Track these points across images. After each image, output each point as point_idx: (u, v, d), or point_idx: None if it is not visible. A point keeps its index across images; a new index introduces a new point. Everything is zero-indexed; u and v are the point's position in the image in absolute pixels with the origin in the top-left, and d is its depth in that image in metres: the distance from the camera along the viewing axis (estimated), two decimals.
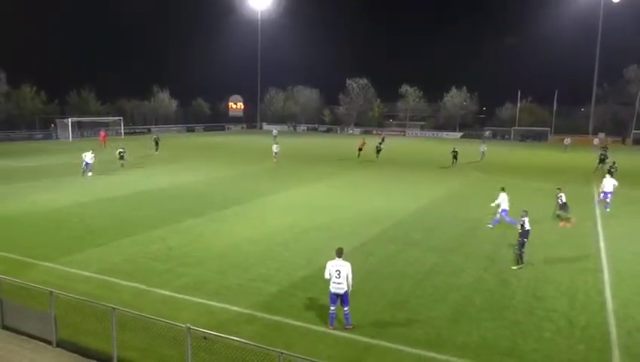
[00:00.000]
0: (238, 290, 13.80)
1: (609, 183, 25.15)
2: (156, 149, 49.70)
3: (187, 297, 13.22)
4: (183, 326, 9.09)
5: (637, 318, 12.40)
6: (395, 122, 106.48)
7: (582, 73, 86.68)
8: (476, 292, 14.05)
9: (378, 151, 47.24)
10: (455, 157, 44.24)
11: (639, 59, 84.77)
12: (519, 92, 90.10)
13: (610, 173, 30.05)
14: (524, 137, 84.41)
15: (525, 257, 16.22)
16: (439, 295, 13.76)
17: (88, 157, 33.86)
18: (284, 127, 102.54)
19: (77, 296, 11.11)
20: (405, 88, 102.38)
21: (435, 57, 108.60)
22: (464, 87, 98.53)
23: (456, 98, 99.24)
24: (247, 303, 12.85)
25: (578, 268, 16.19)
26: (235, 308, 12.56)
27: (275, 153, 44.17)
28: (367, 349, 10.76)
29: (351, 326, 11.49)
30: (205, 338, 9.41)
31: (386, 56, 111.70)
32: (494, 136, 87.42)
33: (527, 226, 16.10)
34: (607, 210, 24.80)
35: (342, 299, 11.42)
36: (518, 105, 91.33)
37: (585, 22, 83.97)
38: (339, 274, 11.31)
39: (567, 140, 65.76)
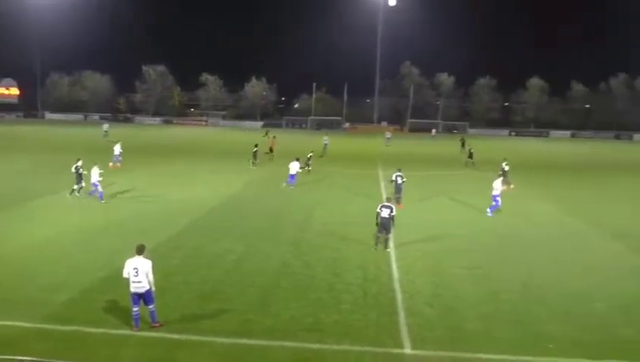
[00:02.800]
0: (23, 303, 12.11)
1: (498, 186, 22.78)
2: None
3: None
4: None
5: (416, 282, 14.32)
6: (196, 111, 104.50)
7: (367, 68, 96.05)
8: (283, 275, 14.66)
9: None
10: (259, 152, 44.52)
11: (412, 57, 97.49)
12: (314, 84, 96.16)
13: (470, 155, 37.20)
14: (319, 126, 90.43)
15: (385, 242, 17.26)
16: (248, 281, 14.02)
17: None
18: (72, 116, 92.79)
19: None
20: (206, 77, 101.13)
21: (235, 47, 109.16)
22: (264, 78, 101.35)
23: (256, 88, 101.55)
24: (36, 317, 11.35)
25: (370, 243, 17.98)
26: (21, 324, 11.01)
27: (117, 155, 34.65)
28: (178, 346, 10.45)
29: (158, 325, 11.01)
30: None
31: (186, 43, 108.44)
32: (293, 125, 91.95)
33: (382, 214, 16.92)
34: (489, 214, 22.63)
35: (144, 298, 10.87)
36: (314, 96, 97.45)
37: (368, 22, 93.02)
38: (137, 273, 10.71)
39: (388, 133, 66.85)
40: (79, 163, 23.99)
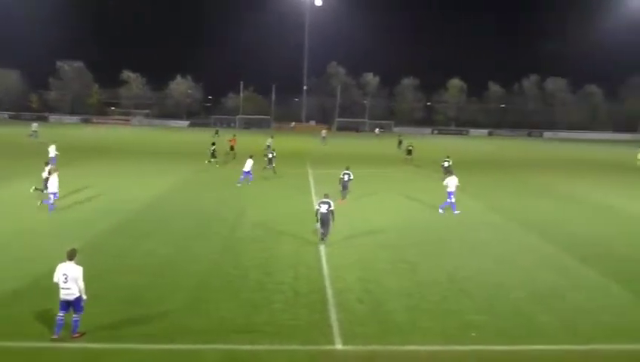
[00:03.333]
0: None
1: (452, 182, 23.40)
2: None
3: None
4: None
5: (346, 278, 14.49)
6: (118, 110, 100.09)
7: (295, 67, 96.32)
8: (212, 276, 14.35)
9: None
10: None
11: (338, 57, 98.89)
12: (242, 83, 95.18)
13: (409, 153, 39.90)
14: (248, 125, 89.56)
15: (323, 237, 17.67)
16: (176, 284, 13.58)
17: None
18: None
19: None
20: (127, 74, 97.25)
21: (158, 44, 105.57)
22: (189, 76, 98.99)
23: (181, 86, 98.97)
24: None
25: (301, 242, 18.02)
26: None
27: (52, 157, 32.76)
28: (98, 356, 9.90)
29: (78, 335, 10.36)
30: None
31: (105, 39, 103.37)
32: (221, 124, 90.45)
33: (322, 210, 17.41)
34: (456, 212, 23.04)
35: (73, 305, 10.30)
36: (241, 94, 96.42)
37: (295, 21, 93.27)
38: (66, 279, 10.18)
39: (324, 132, 67.23)
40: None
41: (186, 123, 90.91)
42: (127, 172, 33.16)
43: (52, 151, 33.19)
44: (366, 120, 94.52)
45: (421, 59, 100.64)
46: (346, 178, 25.15)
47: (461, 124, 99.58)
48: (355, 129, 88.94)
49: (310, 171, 35.61)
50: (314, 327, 11.42)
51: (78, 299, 10.34)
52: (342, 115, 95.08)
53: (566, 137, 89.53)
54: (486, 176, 37.00)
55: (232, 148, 41.41)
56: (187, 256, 15.95)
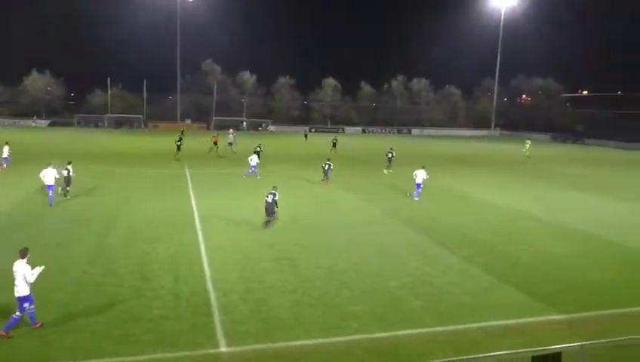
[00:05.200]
0: None
1: (420, 175, 26.93)
2: None
3: None
4: None
5: (229, 279, 14.37)
6: None
7: (167, 64, 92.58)
8: (83, 288, 13.38)
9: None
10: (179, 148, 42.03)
11: (213, 55, 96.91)
12: (109, 79, 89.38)
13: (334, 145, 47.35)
14: (118, 124, 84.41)
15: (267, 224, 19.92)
16: (43, 300, 12.38)
17: None
18: None
19: None
20: None
21: (8, 37, 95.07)
22: (47, 71, 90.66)
23: (38, 82, 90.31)
24: None
25: (179, 243, 17.46)
26: None
27: (6, 157, 32.57)
28: None
29: (4, 334, 10.51)
30: None
31: None
32: (87, 123, 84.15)
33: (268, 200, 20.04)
34: (416, 198, 26.89)
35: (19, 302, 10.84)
36: (109, 92, 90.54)
37: (167, 17, 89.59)
38: (15, 276, 10.83)
39: (231, 131, 62.65)
40: (69, 166, 24.50)
41: (45, 122, 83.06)
42: None
43: (6, 151, 32.74)
44: (244, 118, 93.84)
45: (296, 58, 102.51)
46: (326, 167, 30.73)
47: (337, 122, 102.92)
48: (235, 127, 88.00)
49: (188, 171, 34.59)
50: (197, 331, 11.19)
51: (23, 298, 10.72)
52: (219, 114, 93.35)
53: (431, 134, 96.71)
54: (356, 170, 38.63)
55: (215, 143, 45.59)
56: (54, 269, 14.62)
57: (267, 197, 20.20)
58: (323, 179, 30.87)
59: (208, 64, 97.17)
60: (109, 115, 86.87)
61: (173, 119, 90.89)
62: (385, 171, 35.88)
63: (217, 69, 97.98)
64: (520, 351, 8.78)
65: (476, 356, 8.66)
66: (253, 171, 32.21)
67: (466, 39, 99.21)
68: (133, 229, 19.19)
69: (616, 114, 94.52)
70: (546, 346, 9.06)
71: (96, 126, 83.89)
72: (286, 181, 30.58)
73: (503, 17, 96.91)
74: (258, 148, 38.30)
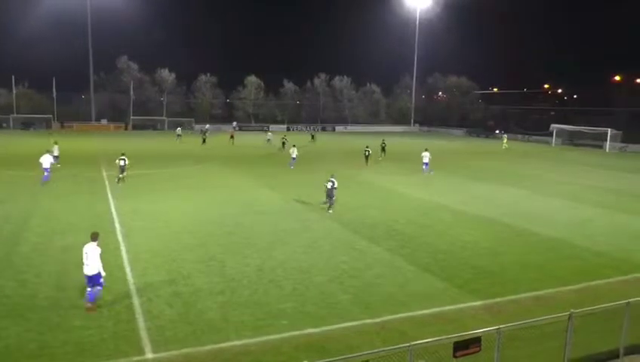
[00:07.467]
0: None
1: (426, 156, 36.49)
2: None
3: None
4: None
5: (153, 283, 13.90)
6: None
7: (79, 61, 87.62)
8: None
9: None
10: None
11: (129, 52, 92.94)
12: (13, 77, 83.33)
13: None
14: (26, 125, 78.91)
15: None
16: None
17: None
18: None
19: None
20: None
21: None
22: None
23: None
24: None
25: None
26: None
27: None
28: None
29: (90, 305, 11.96)
30: None
31: None
32: None
33: None
34: (432, 173, 35.67)
35: (92, 279, 12.00)
36: (14, 91, 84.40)
37: (75, 11, 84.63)
38: (87, 257, 12.02)
39: (179, 130, 63.50)
40: (123, 156, 28.70)
41: None
42: None
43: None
44: (164, 117, 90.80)
45: (217, 56, 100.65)
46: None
47: (260, 120, 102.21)
48: (154, 127, 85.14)
49: (105, 174, 32.98)
50: (121, 339, 10.74)
51: (95, 275, 12.00)
52: (137, 113, 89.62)
53: (354, 130, 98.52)
54: (282, 168, 38.69)
55: (232, 136, 54.25)
56: None
57: (327, 184, 22.73)
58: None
59: (124, 62, 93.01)
60: (15, 115, 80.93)
61: (87, 119, 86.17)
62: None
63: (134, 66, 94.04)
64: (443, 337, 9.17)
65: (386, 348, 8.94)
66: (293, 162, 37.42)
67: (386, 38, 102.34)
68: (46, 236, 18.04)
69: (523, 109, 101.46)
70: (467, 331, 9.55)
71: (1, 127, 77.95)
72: (205, 183, 30.00)
73: (418, 17, 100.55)
74: (284, 140, 48.98)
